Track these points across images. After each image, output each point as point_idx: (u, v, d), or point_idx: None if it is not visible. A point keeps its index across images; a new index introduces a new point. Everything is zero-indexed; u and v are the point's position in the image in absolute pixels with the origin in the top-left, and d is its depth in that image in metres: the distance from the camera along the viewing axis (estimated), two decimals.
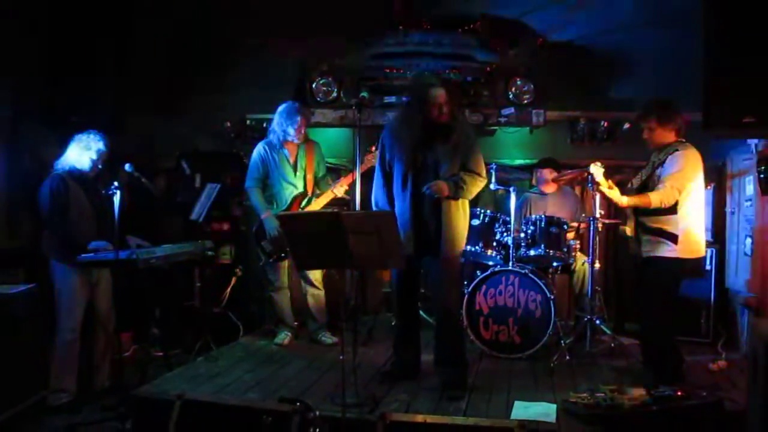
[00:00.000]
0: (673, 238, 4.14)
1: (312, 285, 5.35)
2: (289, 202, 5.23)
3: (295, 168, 5.26)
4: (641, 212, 4.27)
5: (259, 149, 5.29)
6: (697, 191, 4.22)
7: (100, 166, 4.52)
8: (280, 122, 5.19)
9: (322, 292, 5.42)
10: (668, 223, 4.15)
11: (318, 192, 5.31)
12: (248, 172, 5.32)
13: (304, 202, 5.25)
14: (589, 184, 4.52)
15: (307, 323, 5.47)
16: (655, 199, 4.12)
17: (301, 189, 5.27)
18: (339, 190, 5.20)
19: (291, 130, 5.16)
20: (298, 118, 5.17)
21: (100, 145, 4.47)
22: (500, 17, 6.13)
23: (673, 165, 4.14)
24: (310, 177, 5.30)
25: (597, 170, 4.35)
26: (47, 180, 4.40)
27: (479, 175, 4.25)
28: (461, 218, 4.28)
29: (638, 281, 4.39)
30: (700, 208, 4.27)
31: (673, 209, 4.14)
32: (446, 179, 4.14)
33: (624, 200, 4.26)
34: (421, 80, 4.31)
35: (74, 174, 4.45)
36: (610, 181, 4.30)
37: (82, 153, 4.45)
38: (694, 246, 4.20)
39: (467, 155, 4.23)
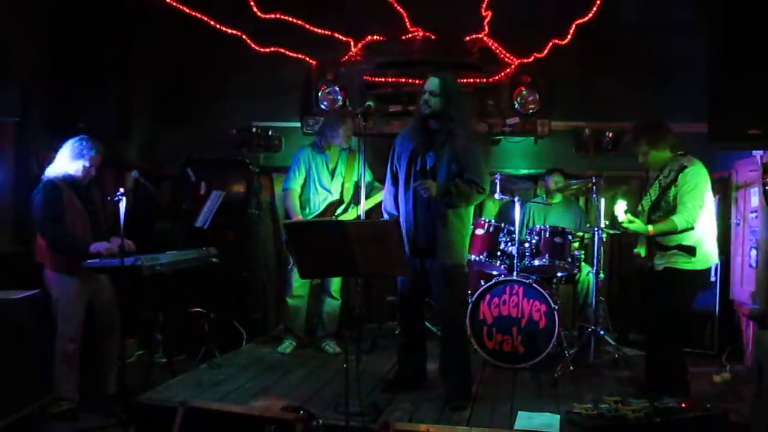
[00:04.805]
0: (692, 251, 4.09)
1: (330, 295, 5.36)
2: (323, 208, 5.22)
3: (332, 173, 5.24)
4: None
5: (301, 152, 5.27)
6: (708, 203, 4.18)
7: (93, 173, 4.44)
8: (330, 123, 5.20)
9: (338, 302, 5.41)
10: (685, 238, 4.08)
11: (356, 200, 5.21)
12: (289, 173, 5.29)
13: (339, 210, 5.25)
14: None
15: (317, 328, 5.47)
16: (681, 221, 4.03)
17: (336, 196, 5.26)
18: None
19: (341, 131, 5.15)
20: (349, 121, 5.20)
21: (93, 152, 4.39)
22: (506, 26, 6.14)
23: (687, 182, 4.06)
24: (347, 186, 5.27)
25: (620, 208, 4.22)
26: (40, 187, 4.31)
27: (478, 185, 4.08)
28: (459, 227, 4.19)
29: (647, 292, 4.34)
30: (711, 218, 4.24)
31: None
32: (440, 183, 4.07)
33: (650, 229, 4.12)
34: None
35: (67, 180, 4.36)
36: (629, 215, 4.19)
37: (74, 161, 4.36)
38: (708, 256, 4.17)
39: (466, 164, 4.09)
